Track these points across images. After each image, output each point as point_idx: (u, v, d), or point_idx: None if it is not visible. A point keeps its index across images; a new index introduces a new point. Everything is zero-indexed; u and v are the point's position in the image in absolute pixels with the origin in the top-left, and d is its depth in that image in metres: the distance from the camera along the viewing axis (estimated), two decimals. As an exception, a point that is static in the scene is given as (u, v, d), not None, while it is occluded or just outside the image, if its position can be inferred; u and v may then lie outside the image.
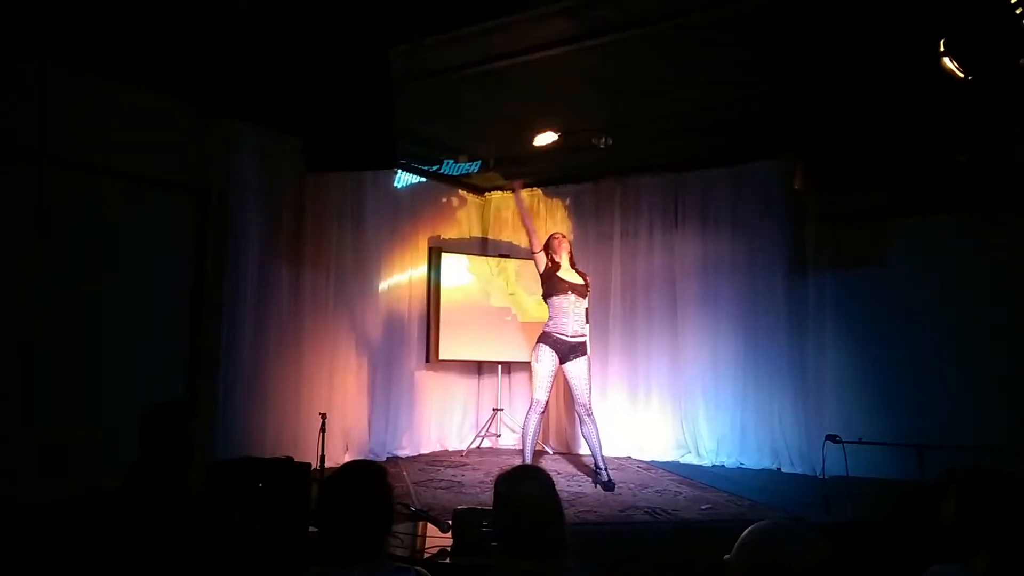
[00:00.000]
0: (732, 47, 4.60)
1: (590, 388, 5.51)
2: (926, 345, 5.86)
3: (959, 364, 5.69)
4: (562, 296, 5.46)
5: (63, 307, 4.35)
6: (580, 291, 5.51)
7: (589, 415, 5.45)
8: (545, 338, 5.46)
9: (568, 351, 5.42)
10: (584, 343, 5.50)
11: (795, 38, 4.37)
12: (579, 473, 6.10)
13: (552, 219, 7.81)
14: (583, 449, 6.83)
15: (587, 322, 5.62)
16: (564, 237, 5.76)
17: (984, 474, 2.06)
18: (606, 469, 5.43)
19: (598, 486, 5.38)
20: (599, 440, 5.51)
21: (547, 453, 7.07)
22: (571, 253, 5.70)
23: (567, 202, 7.76)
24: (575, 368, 5.45)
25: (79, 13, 4.08)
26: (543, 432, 7.17)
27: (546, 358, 5.40)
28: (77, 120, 4.42)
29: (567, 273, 5.54)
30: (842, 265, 6.29)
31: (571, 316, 5.44)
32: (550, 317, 5.52)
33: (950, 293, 5.79)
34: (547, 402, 5.51)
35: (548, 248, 5.61)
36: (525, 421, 5.44)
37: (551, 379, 5.45)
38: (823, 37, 4.30)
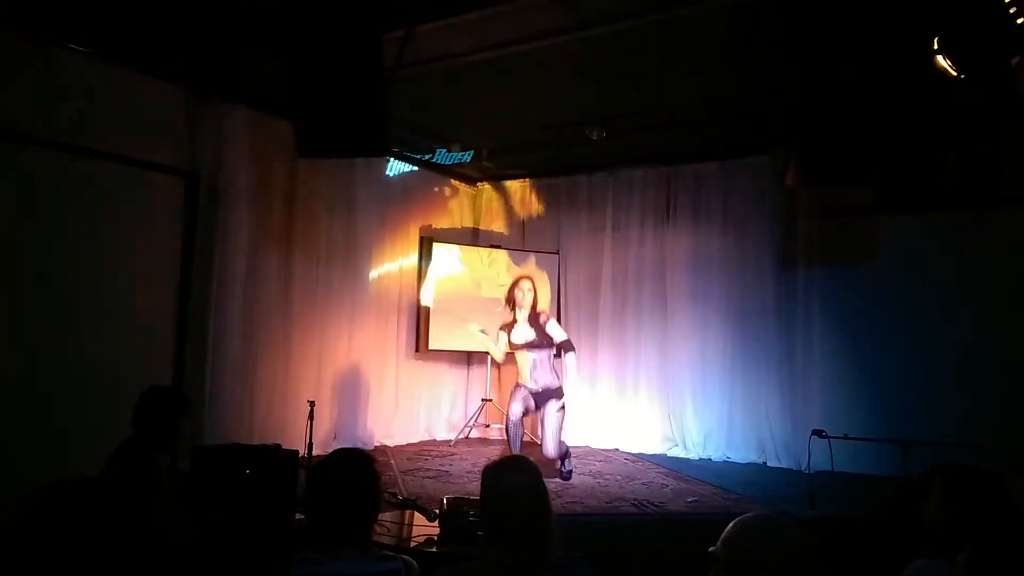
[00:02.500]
0: (725, 41, 4.60)
1: (558, 435, 5.25)
2: (913, 342, 5.90)
3: (945, 361, 5.73)
4: (519, 353, 5.40)
5: (48, 290, 4.32)
6: (536, 344, 5.34)
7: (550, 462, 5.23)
8: (517, 388, 5.41)
9: (540, 399, 5.32)
10: (558, 388, 5.34)
11: (788, 33, 4.36)
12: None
13: (544, 211, 7.82)
14: (574, 440, 6.85)
15: (567, 351, 5.39)
16: (529, 281, 5.56)
17: (967, 471, 2.08)
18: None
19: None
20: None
21: (536, 443, 7.06)
22: (535, 299, 5.49)
23: (559, 194, 7.76)
24: (547, 413, 5.28)
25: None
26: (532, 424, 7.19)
27: (516, 404, 5.31)
28: (68, 103, 4.39)
29: (521, 330, 5.39)
30: (832, 261, 6.32)
31: (535, 368, 5.34)
32: (519, 373, 5.44)
33: (938, 291, 5.83)
34: (520, 418, 5.35)
35: (509, 300, 5.50)
36: (505, 423, 5.41)
37: (523, 405, 5.33)
38: (816, 32, 4.31)
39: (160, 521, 2.70)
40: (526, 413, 5.37)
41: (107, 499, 2.50)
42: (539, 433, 5.41)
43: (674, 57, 4.97)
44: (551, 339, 5.38)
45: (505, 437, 5.58)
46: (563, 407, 5.28)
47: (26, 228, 4.22)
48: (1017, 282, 5.52)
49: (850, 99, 4.33)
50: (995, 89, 3.87)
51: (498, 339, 5.52)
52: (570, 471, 5.42)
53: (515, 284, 5.55)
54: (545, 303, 6.26)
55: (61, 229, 4.37)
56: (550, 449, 5.20)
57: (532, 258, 7.59)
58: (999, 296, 5.58)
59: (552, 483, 5.10)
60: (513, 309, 5.47)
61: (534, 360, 5.35)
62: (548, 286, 7.32)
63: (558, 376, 5.40)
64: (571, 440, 6.65)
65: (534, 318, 5.41)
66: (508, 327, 5.45)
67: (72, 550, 2.19)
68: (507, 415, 5.41)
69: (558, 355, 5.45)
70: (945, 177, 4.68)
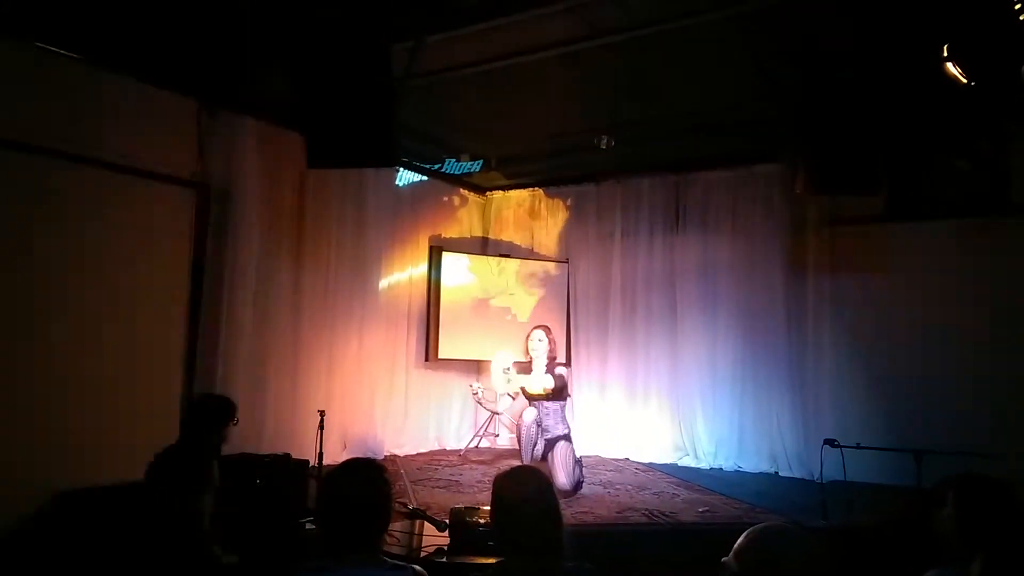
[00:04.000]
0: (734, 49, 4.60)
1: (570, 467, 5.16)
2: (925, 350, 5.86)
3: (958, 370, 5.69)
4: (532, 404, 5.42)
5: (61, 300, 4.35)
6: (545, 397, 5.36)
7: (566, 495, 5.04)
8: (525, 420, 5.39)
9: (548, 446, 5.28)
10: (567, 434, 5.34)
11: (798, 41, 4.37)
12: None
13: (553, 219, 7.83)
14: (586, 450, 6.83)
15: (556, 379, 5.36)
16: (542, 330, 5.57)
17: (980, 481, 2.07)
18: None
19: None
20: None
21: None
22: (551, 347, 5.51)
23: (568, 202, 7.77)
24: (555, 450, 5.20)
25: (83, 6, 4.08)
26: None
27: (531, 410, 5.35)
28: (79, 113, 4.43)
29: (537, 380, 5.40)
30: (842, 269, 6.29)
31: (547, 418, 5.34)
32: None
33: (950, 299, 5.79)
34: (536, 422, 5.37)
35: (527, 349, 5.56)
36: (518, 430, 5.41)
37: (534, 421, 5.35)
38: (826, 41, 4.31)
39: (208, 527, 2.72)
40: (539, 424, 5.35)
41: (158, 504, 2.51)
42: (550, 469, 5.17)
43: (682, 65, 4.97)
44: (562, 385, 5.40)
45: (518, 446, 5.55)
46: (569, 440, 5.31)
47: (38, 238, 4.25)
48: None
49: (859, 107, 4.33)
50: (1005, 97, 3.86)
51: (508, 381, 5.54)
52: (580, 481, 5.33)
53: (528, 336, 5.63)
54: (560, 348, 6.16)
55: (72, 239, 4.40)
56: (563, 482, 5.08)
57: (542, 266, 7.61)
58: (1012, 303, 5.54)
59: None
60: (529, 360, 5.53)
61: (546, 409, 5.38)
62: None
63: (567, 424, 5.42)
64: (581, 450, 6.66)
65: (551, 368, 5.45)
66: (525, 371, 5.49)
67: (112, 555, 2.21)
68: (520, 420, 5.40)
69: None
70: (955, 185, 4.67)
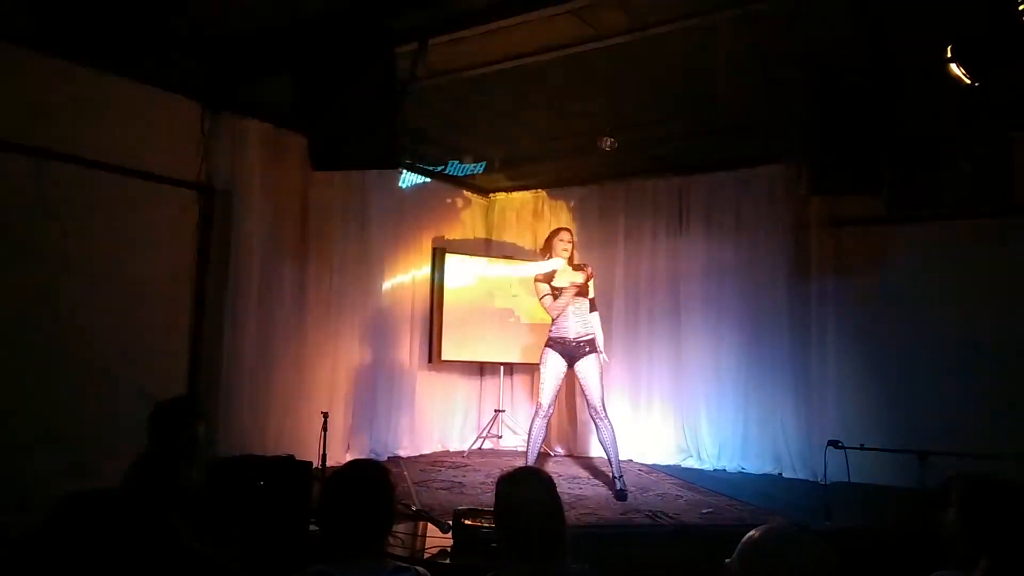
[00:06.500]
0: (737, 51, 4.60)
1: (602, 389, 5.28)
2: (929, 351, 5.84)
3: (961, 371, 5.67)
4: (562, 298, 5.33)
5: (64, 302, 4.35)
6: (579, 289, 5.32)
7: (602, 419, 5.22)
8: (551, 343, 5.36)
9: (576, 352, 5.30)
10: (592, 340, 5.34)
11: (800, 42, 4.37)
12: (581, 475, 6.11)
13: (557, 220, 7.79)
14: (592, 451, 6.83)
15: (593, 309, 5.43)
16: (569, 232, 5.60)
17: (984, 482, 2.06)
18: (620, 477, 5.26)
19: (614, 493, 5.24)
20: (615, 446, 5.27)
21: (550, 456, 7.07)
22: (573, 249, 5.54)
23: (572, 204, 7.76)
24: (584, 368, 5.27)
25: (86, 7, 4.09)
26: (549, 435, 7.17)
27: (551, 363, 5.30)
28: (83, 115, 4.44)
29: (564, 275, 5.39)
30: (846, 270, 6.28)
31: (572, 318, 5.33)
32: (553, 321, 5.41)
33: (953, 299, 5.77)
34: (551, 406, 5.36)
35: (549, 248, 5.50)
36: (531, 424, 5.39)
37: (556, 384, 5.33)
38: (829, 42, 4.31)
39: (184, 534, 2.71)
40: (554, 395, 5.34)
41: (127, 513, 2.50)
42: (582, 387, 5.34)
43: (686, 67, 4.97)
44: (591, 281, 5.42)
45: (526, 440, 5.48)
46: (601, 358, 5.32)
47: (42, 240, 4.26)
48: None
49: (862, 108, 4.32)
50: (1007, 98, 3.86)
51: (537, 290, 5.45)
52: (623, 490, 5.23)
53: (556, 234, 5.54)
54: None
55: (76, 242, 4.41)
56: (596, 401, 5.20)
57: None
58: (1015, 304, 5.53)
59: (566, 495, 5.09)
60: (550, 258, 5.44)
61: (576, 306, 5.34)
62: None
63: (591, 326, 5.40)
64: (592, 451, 6.66)
65: (577, 267, 5.46)
66: (546, 277, 5.38)
67: (87, 565, 2.20)
68: (537, 404, 5.33)
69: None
70: (957, 186, 4.67)
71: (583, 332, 5.34)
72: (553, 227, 7.78)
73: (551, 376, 5.30)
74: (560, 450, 7.31)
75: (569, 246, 5.50)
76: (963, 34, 3.76)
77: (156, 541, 2.51)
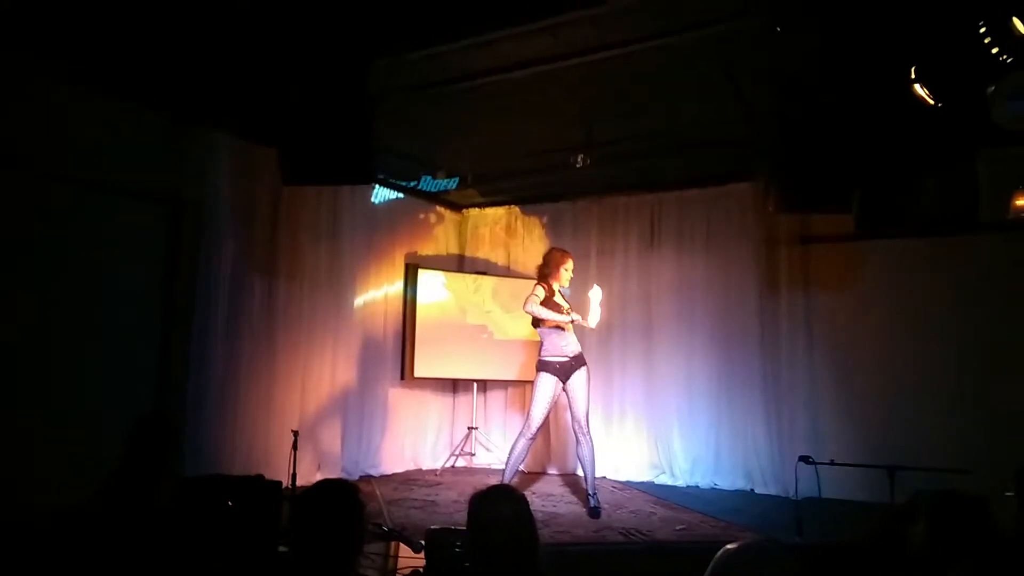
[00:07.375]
0: (708, 69, 4.66)
1: (588, 402, 5.24)
2: (897, 367, 5.93)
3: (930, 386, 5.76)
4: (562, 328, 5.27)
5: (30, 316, 4.27)
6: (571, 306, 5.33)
7: (584, 435, 5.19)
8: (547, 366, 5.22)
9: (571, 370, 5.22)
10: (581, 355, 5.30)
11: (769, 61, 4.44)
12: (555, 493, 6.08)
13: (529, 237, 7.84)
14: (555, 470, 6.81)
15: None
16: (572, 261, 5.47)
17: (952, 497, 2.09)
18: (595, 495, 5.23)
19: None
20: (593, 463, 5.26)
21: (545, 475, 7.00)
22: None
23: (544, 220, 7.79)
24: (575, 382, 5.22)
25: (52, 22, 4.04)
26: (547, 454, 7.14)
27: (548, 387, 5.19)
28: (50, 129, 4.37)
29: (562, 301, 5.34)
30: (815, 286, 6.36)
31: (568, 336, 5.27)
32: (547, 342, 5.27)
33: (921, 315, 5.87)
34: (539, 430, 5.28)
35: (555, 273, 5.33)
36: (514, 442, 5.27)
37: (549, 408, 5.24)
38: (798, 62, 4.38)
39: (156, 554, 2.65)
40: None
41: (104, 532, 2.45)
42: (569, 401, 5.28)
43: (657, 85, 5.02)
44: None
45: (506, 458, 5.34)
46: (587, 371, 5.30)
47: (7, 254, 4.17)
48: (997, 307, 5.58)
49: (830, 127, 4.39)
50: (971, 117, 3.94)
51: (535, 299, 5.26)
52: (597, 508, 5.20)
53: (563, 260, 5.39)
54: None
55: (43, 256, 4.33)
56: (582, 415, 5.20)
57: (518, 283, 7.59)
58: (981, 320, 5.63)
59: (540, 513, 5.06)
60: (549, 284, 5.31)
61: (571, 327, 5.31)
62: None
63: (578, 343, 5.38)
64: (558, 468, 6.63)
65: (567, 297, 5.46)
66: (547, 301, 5.24)
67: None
68: (526, 425, 5.20)
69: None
70: (924, 203, 4.75)
71: (577, 350, 5.31)
72: (526, 243, 7.86)
73: (546, 400, 5.20)
74: (554, 470, 7.18)
75: (571, 275, 5.46)
76: (926, 55, 3.84)
77: (128, 561, 2.46)
